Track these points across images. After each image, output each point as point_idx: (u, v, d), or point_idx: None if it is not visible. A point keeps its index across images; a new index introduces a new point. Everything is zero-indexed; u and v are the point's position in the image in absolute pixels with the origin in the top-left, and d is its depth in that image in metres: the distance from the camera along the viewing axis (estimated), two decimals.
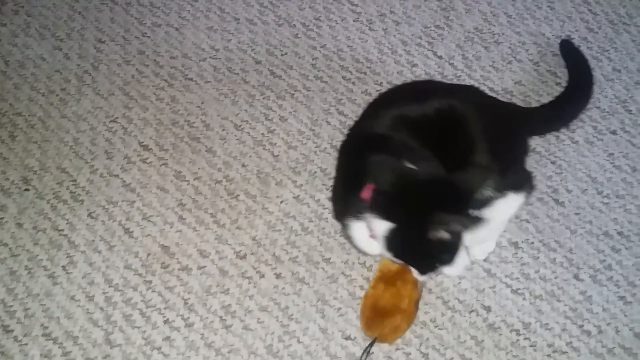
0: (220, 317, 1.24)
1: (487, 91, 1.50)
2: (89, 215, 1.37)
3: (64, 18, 1.69)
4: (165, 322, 1.24)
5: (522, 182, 1.19)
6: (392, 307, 1.13)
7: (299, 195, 1.38)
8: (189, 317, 1.24)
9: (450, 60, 1.57)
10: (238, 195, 1.39)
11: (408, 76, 1.55)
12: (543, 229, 1.31)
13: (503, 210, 1.15)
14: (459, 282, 1.26)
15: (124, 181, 1.41)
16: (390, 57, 1.58)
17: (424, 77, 1.54)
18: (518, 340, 1.20)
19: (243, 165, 1.43)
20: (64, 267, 1.30)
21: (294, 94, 1.53)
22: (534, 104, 1.48)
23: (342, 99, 1.52)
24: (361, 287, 1.25)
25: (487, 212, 1.12)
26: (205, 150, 1.46)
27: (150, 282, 1.28)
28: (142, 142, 1.47)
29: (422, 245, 1.04)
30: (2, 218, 1.37)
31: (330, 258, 1.29)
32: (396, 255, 1.09)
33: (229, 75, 1.57)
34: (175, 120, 1.51)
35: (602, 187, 1.37)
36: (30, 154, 1.46)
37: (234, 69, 1.58)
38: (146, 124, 1.50)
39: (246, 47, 1.62)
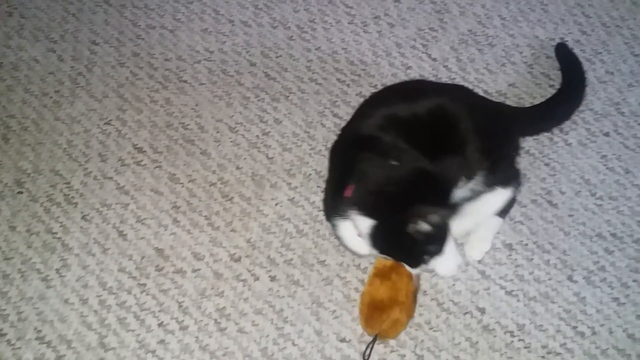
0: (215, 320, 1.23)
1: (481, 93, 1.50)
2: (83, 218, 1.36)
3: (57, 20, 1.69)
4: (160, 325, 1.23)
5: (510, 178, 1.24)
6: (389, 301, 1.13)
7: (293, 198, 1.38)
8: (183, 320, 1.24)
9: (445, 62, 1.58)
10: (232, 197, 1.38)
11: (402, 78, 1.55)
12: (537, 231, 1.32)
13: (491, 203, 1.22)
14: (454, 284, 1.26)
15: (118, 184, 1.41)
16: (385, 60, 1.59)
17: (417, 79, 1.55)
18: (512, 341, 1.20)
19: (237, 168, 1.43)
20: (57, 270, 1.30)
21: (288, 96, 1.53)
22: (527, 106, 1.49)
23: (336, 101, 1.52)
24: (356, 290, 1.25)
25: (475, 205, 1.20)
26: (200, 153, 1.45)
27: (145, 285, 1.28)
28: (136, 144, 1.47)
29: (404, 239, 1.05)
30: None
31: (325, 260, 1.29)
32: (382, 252, 1.10)
33: (224, 77, 1.57)
34: (169, 122, 1.50)
35: (595, 189, 1.37)
36: (24, 156, 1.46)
37: (228, 71, 1.58)
38: (140, 127, 1.49)
39: (241, 49, 1.62)
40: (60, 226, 1.35)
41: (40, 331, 1.23)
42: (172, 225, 1.35)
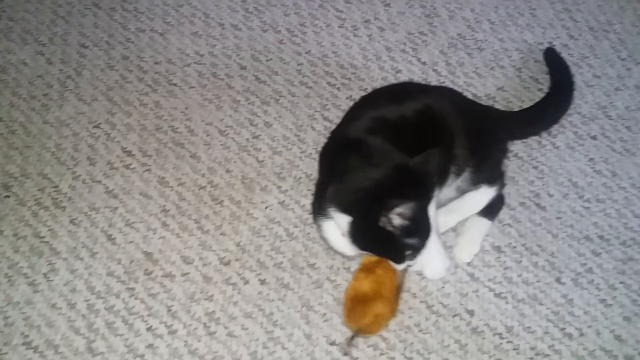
0: (204, 324, 1.23)
1: (470, 97, 1.51)
2: (71, 222, 1.35)
3: (46, 22, 1.68)
4: (149, 329, 1.23)
5: (496, 177, 1.27)
6: (373, 294, 1.12)
7: (283, 201, 1.38)
8: (172, 324, 1.23)
9: (434, 66, 1.59)
10: (222, 201, 1.38)
11: (392, 82, 1.56)
12: (525, 233, 1.33)
13: (476, 200, 1.26)
14: (443, 287, 1.26)
15: (107, 187, 1.40)
16: (375, 63, 1.59)
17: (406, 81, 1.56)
18: (501, 343, 1.20)
19: (227, 171, 1.42)
20: (45, 275, 1.29)
21: (278, 100, 1.53)
22: (516, 110, 1.50)
23: (327, 105, 1.52)
24: None
25: (460, 202, 1.25)
26: (189, 156, 1.45)
27: (133, 289, 1.27)
28: (125, 147, 1.46)
29: (381, 234, 1.05)
30: None
31: (315, 264, 1.29)
32: (362, 248, 1.11)
33: (214, 80, 1.57)
34: (159, 125, 1.50)
35: (583, 192, 1.39)
36: (12, 160, 1.44)
37: (218, 74, 1.58)
38: (129, 130, 1.49)
39: (231, 52, 1.62)
40: (48, 230, 1.34)
41: (27, 336, 1.22)
42: (161, 228, 1.34)
